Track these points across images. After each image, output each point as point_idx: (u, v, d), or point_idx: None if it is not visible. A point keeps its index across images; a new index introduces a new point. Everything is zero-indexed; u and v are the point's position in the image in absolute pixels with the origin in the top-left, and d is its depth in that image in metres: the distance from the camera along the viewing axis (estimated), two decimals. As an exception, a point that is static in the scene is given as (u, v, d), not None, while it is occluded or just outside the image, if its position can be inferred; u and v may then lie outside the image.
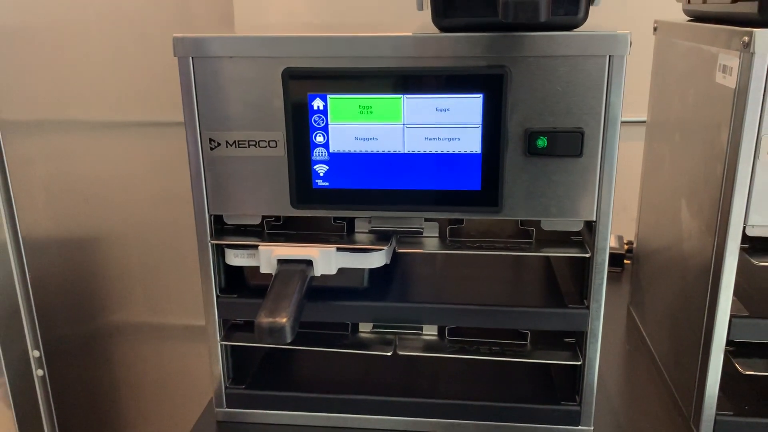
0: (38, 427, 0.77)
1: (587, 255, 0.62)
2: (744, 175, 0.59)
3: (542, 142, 0.58)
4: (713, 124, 0.63)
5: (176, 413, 1.02)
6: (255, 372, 0.75)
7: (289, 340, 0.56)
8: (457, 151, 0.59)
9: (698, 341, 0.66)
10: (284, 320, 0.56)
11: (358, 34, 0.58)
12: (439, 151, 0.60)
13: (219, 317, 0.68)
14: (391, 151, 0.60)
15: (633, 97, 0.90)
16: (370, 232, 0.66)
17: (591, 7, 0.59)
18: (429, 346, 0.69)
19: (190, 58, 0.60)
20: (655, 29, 0.84)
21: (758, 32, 0.55)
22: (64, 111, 0.82)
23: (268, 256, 0.63)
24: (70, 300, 0.83)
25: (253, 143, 0.62)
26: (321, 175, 0.62)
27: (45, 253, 0.78)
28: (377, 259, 0.64)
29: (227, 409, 0.71)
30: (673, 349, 0.76)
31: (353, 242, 0.65)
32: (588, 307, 0.64)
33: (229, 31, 1.20)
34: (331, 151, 0.61)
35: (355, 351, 0.69)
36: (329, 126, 0.60)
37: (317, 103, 0.60)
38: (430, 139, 0.60)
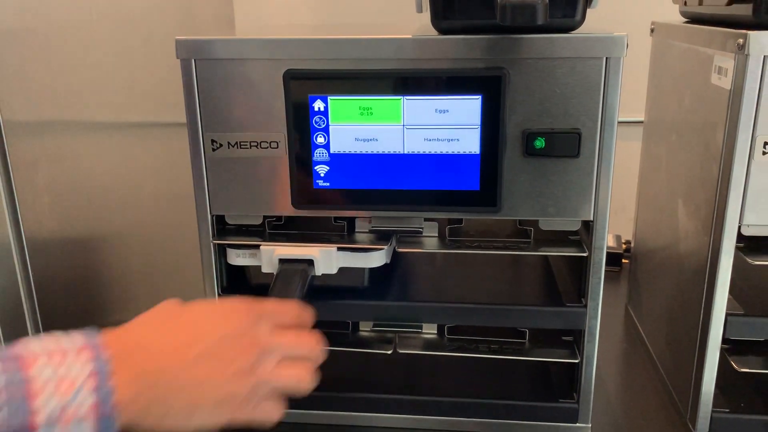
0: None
1: (585, 254, 0.63)
2: (739, 175, 0.59)
3: (540, 143, 0.59)
4: (709, 124, 0.64)
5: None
6: (256, 370, 0.75)
7: None
8: (456, 152, 0.60)
9: (694, 339, 0.67)
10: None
11: (358, 36, 0.59)
12: (438, 152, 0.60)
13: (221, 316, 0.68)
14: (391, 152, 0.61)
15: (631, 97, 0.90)
16: (371, 231, 0.67)
17: (588, 9, 0.59)
18: (429, 345, 0.69)
19: (193, 60, 0.61)
20: (652, 31, 0.85)
21: (752, 34, 0.56)
22: (67, 112, 0.83)
23: (269, 256, 0.64)
24: (73, 300, 0.84)
25: (255, 144, 0.63)
26: (322, 175, 0.63)
27: (48, 254, 0.79)
28: (377, 258, 0.65)
29: (229, 407, 0.72)
30: (670, 348, 0.76)
31: (354, 242, 0.66)
32: (585, 306, 0.65)
33: (229, 33, 1.21)
34: (331, 151, 0.62)
35: (356, 349, 0.69)
36: (330, 127, 0.61)
37: (318, 105, 0.60)
38: (430, 140, 0.60)
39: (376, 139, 0.61)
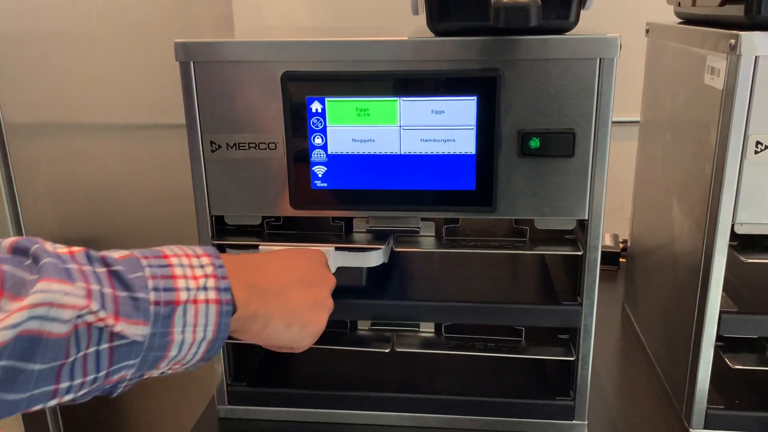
0: (43, 424, 0.79)
1: (580, 253, 0.64)
2: (732, 174, 0.60)
3: (535, 143, 0.60)
4: (702, 124, 0.65)
5: (179, 410, 1.03)
6: (256, 369, 0.76)
7: None
8: (452, 152, 0.61)
9: (689, 337, 0.67)
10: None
11: (355, 38, 0.60)
12: (434, 153, 0.61)
13: (220, 316, 0.69)
14: (388, 153, 0.62)
15: (628, 97, 0.91)
16: (368, 231, 0.68)
17: (582, 11, 0.60)
18: (426, 343, 0.70)
19: (191, 63, 0.62)
20: (647, 31, 0.86)
21: (744, 35, 0.56)
22: (68, 114, 0.84)
23: None
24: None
25: (253, 145, 0.63)
26: (319, 176, 0.63)
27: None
28: (375, 258, 0.65)
29: (229, 406, 0.73)
30: (666, 345, 0.77)
31: (351, 242, 0.67)
32: (581, 304, 0.66)
33: (229, 35, 1.22)
34: (329, 152, 0.62)
35: (354, 348, 0.70)
36: (327, 128, 0.62)
37: (315, 106, 0.61)
38: (426, 141, 0.61)
39: (373, 140, 0.62)
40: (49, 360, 0.38)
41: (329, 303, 0.58)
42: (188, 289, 0.45)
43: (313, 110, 0.61)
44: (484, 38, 0.58)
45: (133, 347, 0.42)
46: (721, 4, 0.62)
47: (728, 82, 0.59)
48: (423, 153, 0.61)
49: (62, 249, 0.42)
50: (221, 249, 0.67)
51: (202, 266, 0.46)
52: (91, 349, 0.40)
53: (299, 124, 0.62)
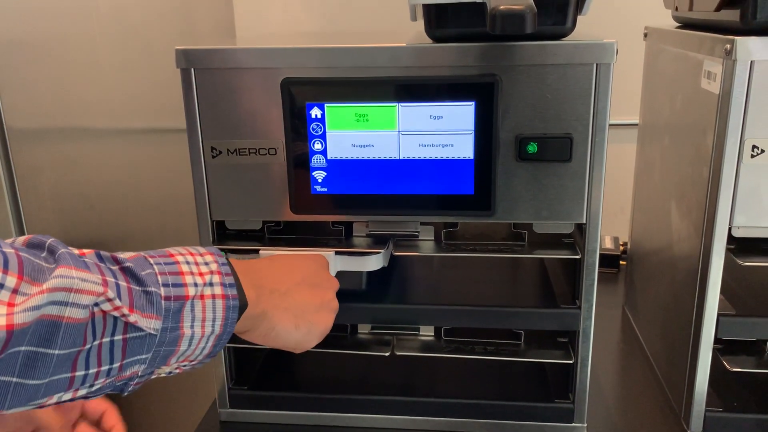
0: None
1: (578, 257, 0.64)
2: (728, 178, 0.60)
3: (533, 148, 0.60)
4: (699, 128, 0.65)
5: (180, 414, 1.04)
6: (257, 373, 0.77)
7: None
8: (450, 157, 0.61)
9: (688, 339, 0.68)
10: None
11: (354, 45, 0.60)
12: (433, 157, 0.62)
13: (222, 320, 0.70)
14: (387, 158, 0.62)
15: (629, 100, 0.92)
16: (368, 236, 0.68)
17: (580, 16, 0.61)
18: (426, 347, 0.71)
19: (192, 70, 0.62)
20: (645, 35, 0.86)
21: (739, 40, 0.57)
22: (70, 119, 0.85)
23: None
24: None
25: (254, 151, 0.64)
26: (319, 181, 0.64)
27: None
28: (375, 262, 0.66)
29: (230, 410, 0.73)
30: (665, 348, 0.77)
31: (351, 246, 0.67)
32: (580, 308, 0.66)
33: (230, 40, 1.23)
34: (328, 157, 0.63)
35: (354, 352, 0.71)
36: (327, 134, 0.62)
37: (315, 112, 0.62)
38: (425, 146, 0.62)
39: (372, 145, 0.62)
40: (67, 345, 0.39)
41: (335, 304, 0.59)
42: (196, 285, 0.46)
43: (313, 116, 0.62)
44: (481, 44, 0.58)
45: (146, 340, 0.43)
46: (717, 9, 0.62)
47: (724, 87, 0.59)
48: (422, 158, 0.62)
49: (74, 250, 0.43)
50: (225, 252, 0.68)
51: (206, 263, 0.48)
52: (106, 339, 0.41)
53: (299, 130, 0.62)
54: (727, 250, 0.63)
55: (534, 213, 0.63)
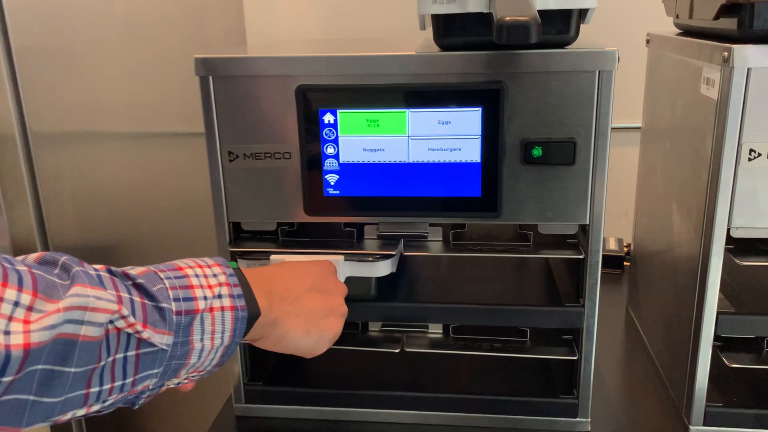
0: (66, 425, 0.82)
1: (581, 256, 0.67)
2: (727, 181, 0.63)
3: (537, 152, 0.63)
4: (699, 132, 0.67)
5: (196, 409, 1.07)
6: (271, 369, 0.79)
7: None
8: (458, 161, 0.64)
9: (688, 337, 0.70)
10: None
11: (365, 53, 0.63)
12: (441, 161, 0.64)
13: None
14: (397, 161, 0.65)
15: (635, 104, 0.94)
16: (379, 237, 0.71)
17: (583, 25, 0.63)
18: (434, 344, 0.73)
19: (210, 77, 0.65)
20: (647, 42, 0.89)
21: (737, 48, 0.59)
22: (89, 124, 0.87)
23: None
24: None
25: (269, 155, 0.66)
26: (332, 184, 0.66)
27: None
28: (383, 268, 0.67)
29: (245, 405, 0.76)
30: (667, 346, 0.79)
31: (362, 247, 0.69)
32: (583, 306, 0.68)
33: (241, 47, 1.26)
34: (341, 161, 0.65)
35: (365, 348, 0.73)
36: (339, 138, 0.65)
37: (328, 118, 0.64)
38: (433, 150, 0.64)
39: (383, 150, 0.65)
40: (83, 363, 0.39)
41: (344, 309, 0.60)
42: (205, 298, 0.47)
43: (326, 121, 0.64)
44: (488, 52, 0.61)
45: (157, 355, 0.44)
46: (716, 18, 0.64)
47: (722, 93, 0.61)
48: (430, 161, 0.64)
49: (87, 266, 0.44)
50: (237, 256, 0.70)
51: (215, 275, 0.48)
52: (119, 355, 0.42)
53: (313, 135, 0.65)
54: (726, 250, 0.65)
55: (539, 214, 0.65)
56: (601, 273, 1.02)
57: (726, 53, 0.60)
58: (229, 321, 0.48)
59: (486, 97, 0.62)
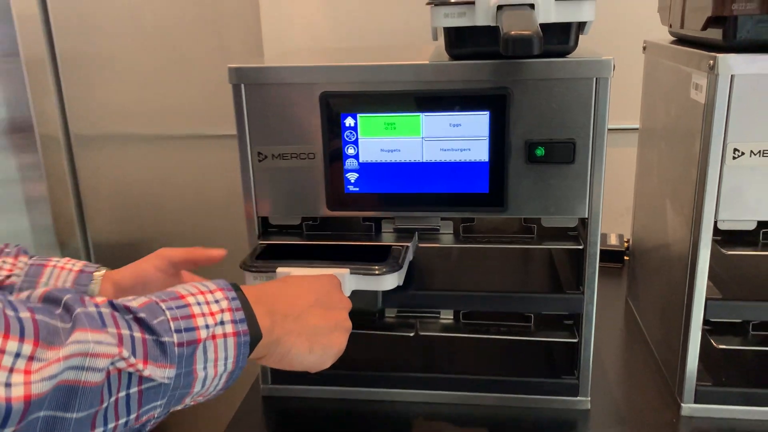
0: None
1: (580, 247, 0.73)
2: (713, 178, 0.68)
3: (540, 152, 0.69)
4: (689, 133, 0.73)
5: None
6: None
7: None
8: (467, 160, 0.70)
9: (680, 322, 0.76)
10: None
11: (383, 63, 0.69)
12: (452, 160, 0.70)
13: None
14: (412, 161, 0.71)
15: (637, 106, 1.00)
16: (395, 230, 0.77)
17: (582, 35, 0.69)
18: (446, 328, 0.79)
19: (242, 85, 0.71)
20: (644, 48, 0.94)
21: (721, 57, 0.65)
22: (122, 126, 0.94)
23: None
24: (129, 294, 0.94)
25: (295, 155, 0.73)
26: (352, 181, 0.73)
27: (109, 256, 0.89)
28: (390, 281, 0.68)
29: (271, 386, 0.82)
30: (662, 331, 0.85)
31: (380, 240, 0.76)
32: (583, 293, 0.74)
33: (257, 53, 1.32)
34: (360, 161, 0.72)
35: (383, 333, 0.79)
36: (359, 140, 0.71)
37: (349, 121, 0.71)
38: (445, 150, 0.70)
39: (399, 150, 0.71)
40: (85, 408, 0.39)
41: (348, 324, 0.60)
42: (207, 327, 0.46)
43: (347, 124, 0.71)
44: (494, 61, 0.67)
45: (160, 389, 0.44)
46: (704, 28, 0.70)
47: (709, 97, 0.67)
48: (442, 161, 0.70)
49: (89, 299, 0.44)
50: (245, 269, 0.70)
51: (217, 301, 0.48)
52: (122, 393, 0.42)
53: (335, 137, 0.71)
54: (714, 241, 0.71)
55: (542, 209, 0.71)
56: (603, 267, 1.09)
57: (711, 61, 0.66)
58: (231, 347, 0.48)
59: (493, 102, 0.68)
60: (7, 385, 0.36)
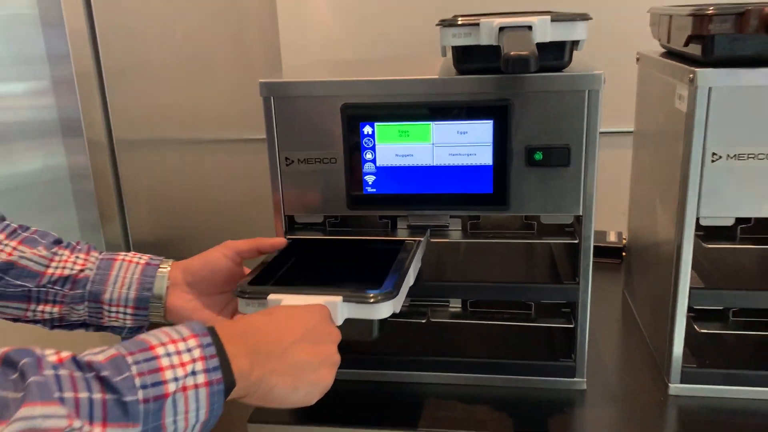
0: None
1: (575, 241, 0.81)
2: (695, 178, 0.76)
3: (539, 156, 0.77)
4: (674, 139, 0.81)
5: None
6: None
7: None
8: (473, 164, 0.78)
9: (668, 310, 0.83)
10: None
11: (398, 77, 0.77)
12: (460, 164, 0.78)
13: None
14: (424, 165, 0.79)
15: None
16: (408, 227, 0.85)
17: (576, 51, 0.77)
18: (454, 316, 0.87)
19: (272, 98, 0.80)
20: (637, 60, 1.02)
21: (699, 71, 0.73)
22: (157, 131, 1.02)
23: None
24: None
25: (318, 160, 0.81)
26: (370, 183, 0.81)
27: (145, 250, 0.97)
28: (386, 309, 0.64)
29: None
30: (653, 319, 0.93)
31: (395, 236, 0.84)
32: (578, 283, 0.82)
33: (276, 63, 1.41)
34: (377, 165, 0.80)
35: (396, 319, 0.87)
36: (376, 146, 0.79)
37: (367, 129, 0.79)
38: (453, 155, 0.78)
39: (412, 155, 0.79)
40: None
41: (336, 358, 0.59)
42: (176, 379, 0.45)
43: (366, 132, 0.79)
44: (497, 76, 0.75)
45: None
46: (686, 45, 0.78)
47: (690, 107, 0.75)
48: (451, 165, 0.79)
49: (51, 356, 0.42)
50: (237, 295, 0.67)
51: (189, 350, 0.46)
52: None
53: (354, 143, 0.79)
54: (696, 236, 0.79)
55: (541, 207, 0.79)
56: (602, 262, 1.17)
57: (692, 75, 0.74)
58: (204, 398, 0.46)
59: (496, 112, 0.76)
60: None
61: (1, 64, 0.85)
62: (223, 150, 1.23)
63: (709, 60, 0.74)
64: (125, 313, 0.71)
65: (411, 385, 0.87)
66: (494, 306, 0.88)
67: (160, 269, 0.73)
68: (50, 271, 0.70)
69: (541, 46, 0.71)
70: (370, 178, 0.81)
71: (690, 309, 0.81)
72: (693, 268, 0.80)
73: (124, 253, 0.74)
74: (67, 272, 0.70)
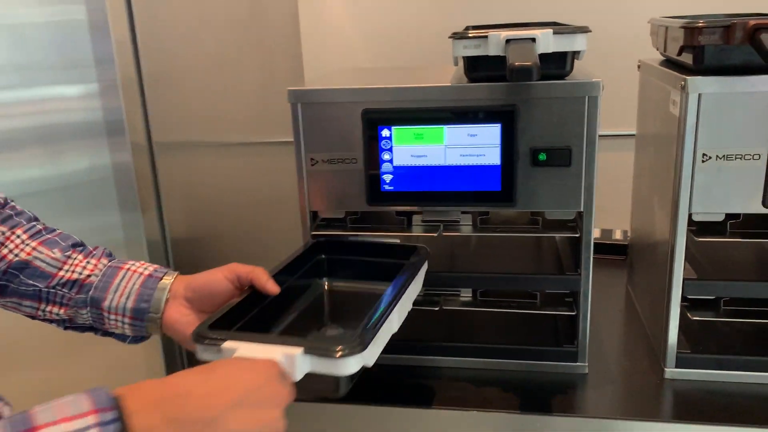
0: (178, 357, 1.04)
1: (577, 235, 0.87)
2: (687, 177, 0.83)
3: (543, 157, 0.84)
4: (669, 141, 0.87)
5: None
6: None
7: None
8: (483, 164, 0.85)
9: (664, 300, 0.90)
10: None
11: (414, 85, 0.85)
12: (470, 164, 0.86)
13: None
14: (437, 165, 0.86)
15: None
16: (423, 222, 0.92)
17: (577, 61, 0.84)
18: (465, 304, 0.94)
19: (299, 104, 0.87)
20: (638, 67, 1.09)
21: (690, 79, 0.79)
22: (192, 134, 1.10)
23: (230, 355, 0.58)
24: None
25: (340, 160, 0.89)
26: (387, 182, 0.88)
27: (182, 249, 1.05)
28: (353, 364, 0.56)
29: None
30: (651, 309, 1.00)
31: (411, 231, 0.91)
32: (580, 274, 0.88)
33: (298, 70, 1.49)
34: (394, 165, 0.87)
35: (411, 307, 0.94)
36: (393, 148, 0.87)
37: (385, 132, 0.86)
38: (464, 156, 0.86)
39: (426, 156, 0.86)
40: None
41: (279, 425, 0.52)
42: None
43: (384, 135, 0.86)
44: (505, 83, 0.82)
45: None
46: (678, 54, 0.85)
47: (682, 111, 0.82)
48: (462, 164, 0.86)
49: None
50: (196, 341, 0.62)
51: (86, 428, 0.42)
52: None
53: (373, 145, 0.87)
54: (689, 230, 0.85)
55: (545, 204, 0.86)
56: (608, 259, 1.23)
57: (683, 82, 0.80)
58: None
59: (504, 116, 0.83)
60: None
61: (52, 68, 0.93)
62: (248, 152, 1.31)
63: (700, 68, 0.81)
64: (123, 323, 0.72)
65: (423, 369, 0.94)
66: (502, 295, 0.95)
67: (162, 281, 0.73)
68: (61, 273, 0.71)
69: (545, 56, 0.78)
70: (387, 177, 0.88)
71: (684, 299, 0.87)
72: (687, 260, 0.86)
73: (132, 262, 0.74)
74: (75, 276, 0.71)
